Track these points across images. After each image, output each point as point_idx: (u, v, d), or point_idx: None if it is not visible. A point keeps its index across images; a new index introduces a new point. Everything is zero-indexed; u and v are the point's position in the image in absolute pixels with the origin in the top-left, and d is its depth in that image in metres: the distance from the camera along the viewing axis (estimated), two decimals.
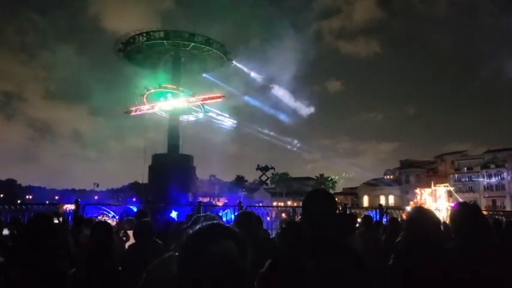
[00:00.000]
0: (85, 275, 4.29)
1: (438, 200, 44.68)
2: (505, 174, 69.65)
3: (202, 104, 46.38)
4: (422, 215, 3.01)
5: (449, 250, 2.73)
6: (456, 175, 73.77)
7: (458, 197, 50.45)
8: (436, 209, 22.26)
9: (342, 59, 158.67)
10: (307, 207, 2.45)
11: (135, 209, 13.92)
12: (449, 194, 50.11)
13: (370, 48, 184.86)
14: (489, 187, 71.23)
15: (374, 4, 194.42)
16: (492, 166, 71.40)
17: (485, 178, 71.56)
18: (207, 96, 46.14)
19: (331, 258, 2.17)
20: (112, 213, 23.28)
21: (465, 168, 74.22)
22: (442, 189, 48.27)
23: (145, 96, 45.67)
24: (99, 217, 16.15)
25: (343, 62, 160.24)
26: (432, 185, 50.80)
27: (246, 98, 60.49)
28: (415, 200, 47.37)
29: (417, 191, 50.39)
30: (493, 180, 70.97)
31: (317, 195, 2.51)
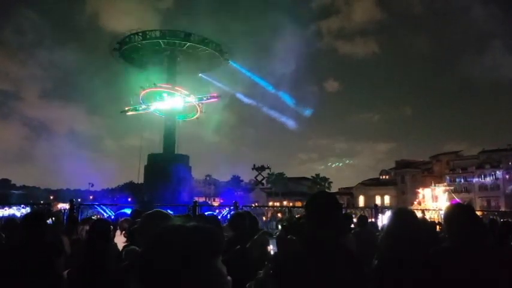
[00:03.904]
0: (80, 275, 4.26)
1: (438, 200, 44.98)
2: (499, 175, 70.05)
3: (198, 104, 46.38)
4: (404, 215, 3.01)
5: (442, 250, 2.74)
6: (451, 175, 74.14)
7: (454, 197, 50.73)
8: (436, 209, 22.28)
9: (340, 59, 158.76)
10: (310, 208, 2.44)
11: (128, 212, 13.86)
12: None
13: (368, 48, 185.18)
14: (484, 187, 71.63)
15: (373, 5, 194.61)
16: (487, 166, 71.80)
17: (480, 178, 71.97)
18: (203, 96, 46.13)
19: (330, 258, 2.17)
20: (108, 212, 23.17)
21: (460, 169, 74.62)
22: (441, 189, 48.64)
23: (141, 95, 45.60)
24: (94, 217, 16.08)
25: (341, 62, 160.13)
26: (428, 185, 51.18)
27: (243, 97, 60.46)
28: (417, 200, 47.75)
29: (419, 190, 50.71)
30: (488, 180, 71.38)
31: (321, 196, 2.52)
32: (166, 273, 1.19)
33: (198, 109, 47.02)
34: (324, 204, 2.40)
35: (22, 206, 14.25)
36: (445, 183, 57.38)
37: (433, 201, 44.47)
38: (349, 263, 2.23)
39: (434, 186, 50.01)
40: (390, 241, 2.86)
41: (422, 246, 2.72)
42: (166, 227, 1.32)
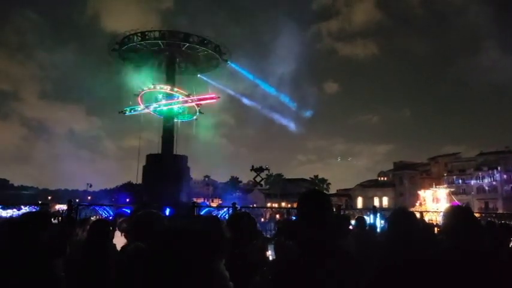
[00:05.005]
0: (80, 275, 4.26)
1: (439, 202, 45.00)
2: (497, 177, 70.14)
3: (197, 105, 46.36)
4: (404, 216, 3.02)
5: (441, 251, 2.75)
6: (449, 177, 74.19)
7: (454, 199, 50.73)
8: (437, 210, 22.27)
9: (339, 61, 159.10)
10: (301, 209, 2.45)
11: (128, 211, 13.85)
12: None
13: (368, 50, 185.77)
14: (482, 189, 71.70)
15: (373, 6, 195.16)
16: (485, 168, 71.87)
17: (478, 180, 72.04)
18: (201, 97, 46.11)
19: (325, 259, 2.17)
20: (107, 213, 23.16)
21: (458, 171, 74.71)
22: (442, 191, 48.67)
23: (140, 96, 45.57)
24: (92, 218, 16.07)
25: (340, 63, 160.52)
26: (426, 186, 51.27)
27: (242, 98, 60.44)
28: (419, 201, 47.81)
29: (420, 192, 50.73)
30: (486, 182, 71.46)
31: (311, 197, 2.51)
32: (170, 272, 1.19)
33: (197, 110, 47.00)
34: (315, 204, 2.40)
35: (33, 206, 14.18)
36: (445, 185, 57.40)
37: (434, 203, 44.50)
38: (345, 263, 2.23)
39: (435, 188, 50.10)
40: (390, 242, 2.87)
41: (421, 247, 2.73)
42: (174, 227, 1.32)
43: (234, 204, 13.69)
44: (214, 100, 46.51)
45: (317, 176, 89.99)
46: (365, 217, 9.89)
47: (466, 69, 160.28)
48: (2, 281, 3.39)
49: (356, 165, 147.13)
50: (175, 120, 46.63)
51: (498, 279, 2.50)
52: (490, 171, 71.13)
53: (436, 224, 10.97)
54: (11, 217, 10.92)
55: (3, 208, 20.51)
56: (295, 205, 2.55)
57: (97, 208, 22.66)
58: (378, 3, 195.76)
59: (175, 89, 45.39)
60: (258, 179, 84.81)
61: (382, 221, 13.53)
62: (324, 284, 2.14)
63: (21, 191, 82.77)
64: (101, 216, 19.31)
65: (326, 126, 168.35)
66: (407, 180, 76.34)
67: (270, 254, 2.91)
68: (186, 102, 45.82)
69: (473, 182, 72.32)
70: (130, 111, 46.74)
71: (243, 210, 13.45)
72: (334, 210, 12.46)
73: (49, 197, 69.90)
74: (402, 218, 3.01)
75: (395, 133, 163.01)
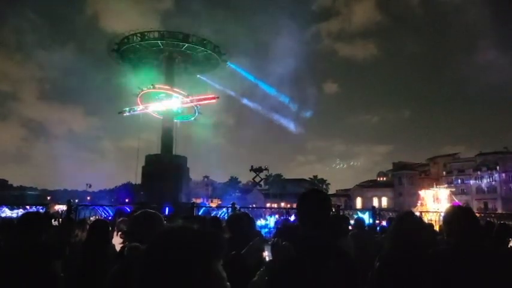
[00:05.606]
0: (79, 276, 4.25)
1: (440, 202, 44.92)
2: (496, 177, 70.27)
3: (196, 105, 46.38)
4: (408, 218, 3.03)
5: (442, 251, 2.75)
6: (448, 177, 74.28)
7: (454, 199, 50.68)
8: (438, 211, 22.24)
9: (339, 61, 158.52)
10: (301, 208, 2.44)
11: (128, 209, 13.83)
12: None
13: (367, 50, 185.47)
14: (481, 189, 71.83)
15: (373, 7, 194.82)
16: (484, 169, 71.98)
17: (477, 180, 72.15)
18: (201, 97, 46.13)
19: (324, 259, 2.17)
20: (106, 213, 23.12)
21: (457, 171, 74.83)
22: (443, 191, 48.57)
23: (139, 96, 45.58)
24: (92, 218, 16.06)
25: (340, 64, 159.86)
26: (425, 187, 51.20)
27: (241, 99, 60.49)
28: (420, 202, 47.74)
29: (421, 192, 50.65)
30: (485, 182, 71.59)
31: (311, 196, 2.51)
32: (168, 273, 1.19)
33: (196, 110, 47.02)
34: (315, 204, 2.40)
35: (40, 207, 14.14)
36: (445, 185, 57.38)
37: (434, 203, 44.44)
38: (341, 262, 2.22)
39: (436, 187, 50.06)
40: (392, 242, 2.87)
41: (423, 247, 2.73)
42: (172, 227, 1.32)
43: (233, 204, 13.74)
44: (214, 100, 46.54)
45: (316, 176, 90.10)
46: (362, 216, 9.91)
47: (465, 69, 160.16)
48: (2, 281, 3.39)
49: (355, 165, 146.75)
50: (175, 120, 46.62)
51: (498, 279, 2.50)
52: (489, 172, 71.27)
53: (434, 229, 10.95)
54: (16, 217, 10.89)
55: (11, 209, 20.72)
56: (294, 205, 2.56)
57: (96, 208, 22.64)
58: (378, 4, 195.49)
59: (175, 89, 45.41)
60: (258, 179, 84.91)
61: (383, 222, 13.56)
62: (322, 284, 2.14)
63: (21, 191, 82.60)
64: (101, 216, 19.28)
65: (325, 126, 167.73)
66: (407, 181, 76.41)
67: (267, 254, 2.92)
68: (186, 102, 45.83)
69: (472, 182, 72.48)
70: (129, 112, 46.75)
71: (243, 210, 13.47)
72: (333, 210, 12.49)
73: (48, 198, 69.80)
74: (406, 219, 3.01)
75: (395, 133, 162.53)
